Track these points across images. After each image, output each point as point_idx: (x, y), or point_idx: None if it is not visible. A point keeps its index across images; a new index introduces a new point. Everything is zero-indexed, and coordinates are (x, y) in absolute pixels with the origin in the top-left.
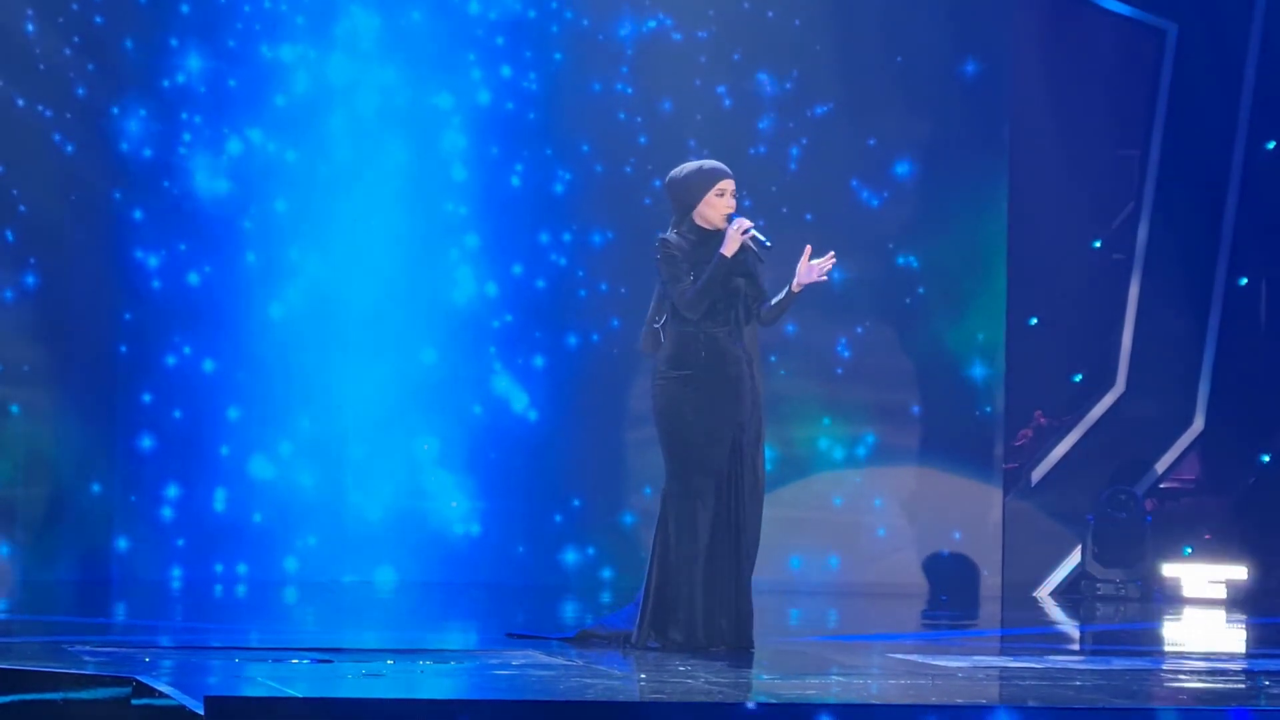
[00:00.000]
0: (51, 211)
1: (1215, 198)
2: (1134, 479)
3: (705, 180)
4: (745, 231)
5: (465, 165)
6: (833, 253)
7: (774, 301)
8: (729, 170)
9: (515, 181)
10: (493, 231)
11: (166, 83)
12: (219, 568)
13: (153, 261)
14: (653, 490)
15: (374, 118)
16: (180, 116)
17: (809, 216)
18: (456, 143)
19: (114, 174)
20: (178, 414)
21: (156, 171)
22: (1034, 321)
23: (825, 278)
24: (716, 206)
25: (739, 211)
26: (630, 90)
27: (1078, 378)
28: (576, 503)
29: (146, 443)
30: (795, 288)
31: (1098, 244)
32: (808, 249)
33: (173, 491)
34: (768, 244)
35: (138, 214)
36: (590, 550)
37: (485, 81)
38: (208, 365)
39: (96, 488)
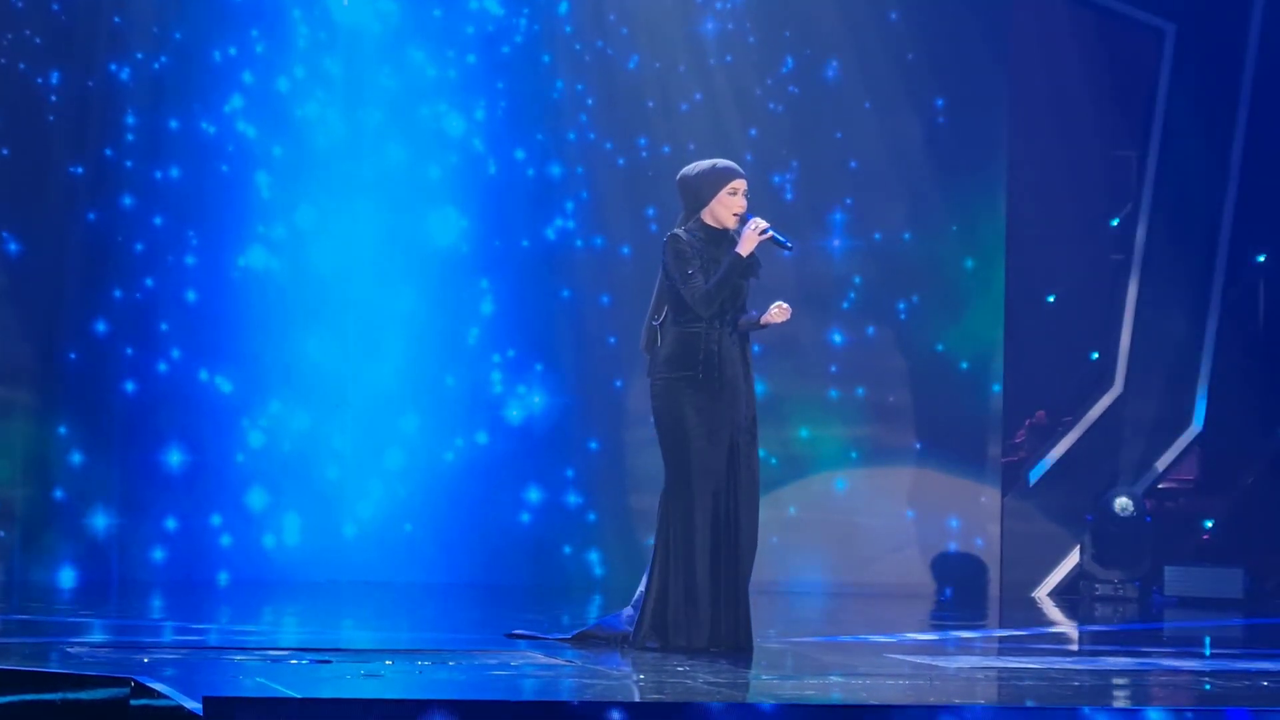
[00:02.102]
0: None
1: (1214, 198)
2: (1133, 479)
3: (718, 179)
4: (763, 232)
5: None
6: (788, 306)
7: (751, 318)
8: (741, 170)
9: (514, 158)
10: (487, 216)
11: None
12: (217, 567)
13: (138, 242)
14: (653, 489)
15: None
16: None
17: (807, 226)
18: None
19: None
20: (175, 407)
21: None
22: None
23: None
24: (729, 205)
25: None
26: (633, 63)
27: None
28: (576, 500)
29: (144, 439)
30: (764, 322)
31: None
32: (783, 305)
33: (171, 492)
34: (789, 245)
35: (125, 193)
36: (589, 550)
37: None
38: (206, 360)
39: (93, 487)
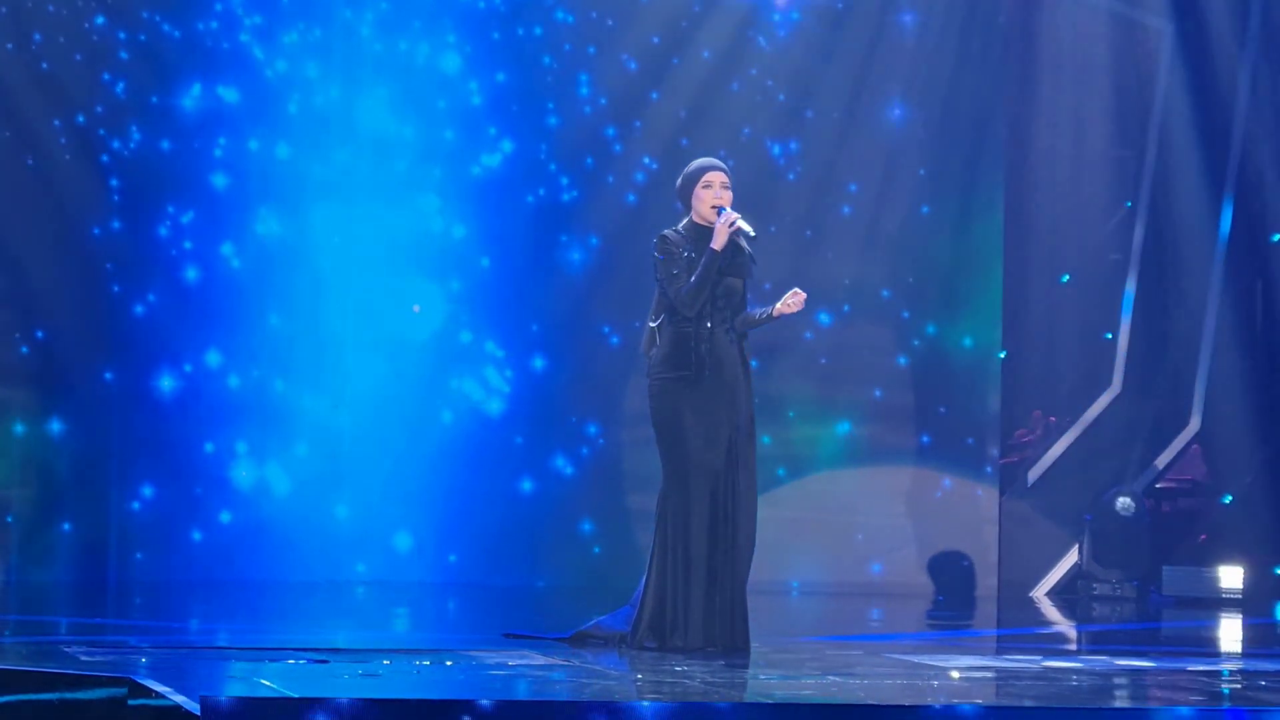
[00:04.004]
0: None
1: (1212, 197)
2: (1132, 479)
3: (693, 175)
4: (731, 224)
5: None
6: (802, 292)
7: (756, 314)
8: (716, 163)
9: (502, 150)
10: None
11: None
12: (217, 566)
13: (126, 223)
14: (652, 488)
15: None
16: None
17: (805, 226)
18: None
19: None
20: (173, 411)
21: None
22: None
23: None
24: (704, 199)
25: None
26: (627, 57)
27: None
28: (577, 502)
29: (141, 443)
30: (775, 314)
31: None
32: (798, 292)
33: (168, 492)
34: (751, 233)
35: (113, 181)
36: (588, 549)
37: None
38: (204, 357)
39: (92, 487)
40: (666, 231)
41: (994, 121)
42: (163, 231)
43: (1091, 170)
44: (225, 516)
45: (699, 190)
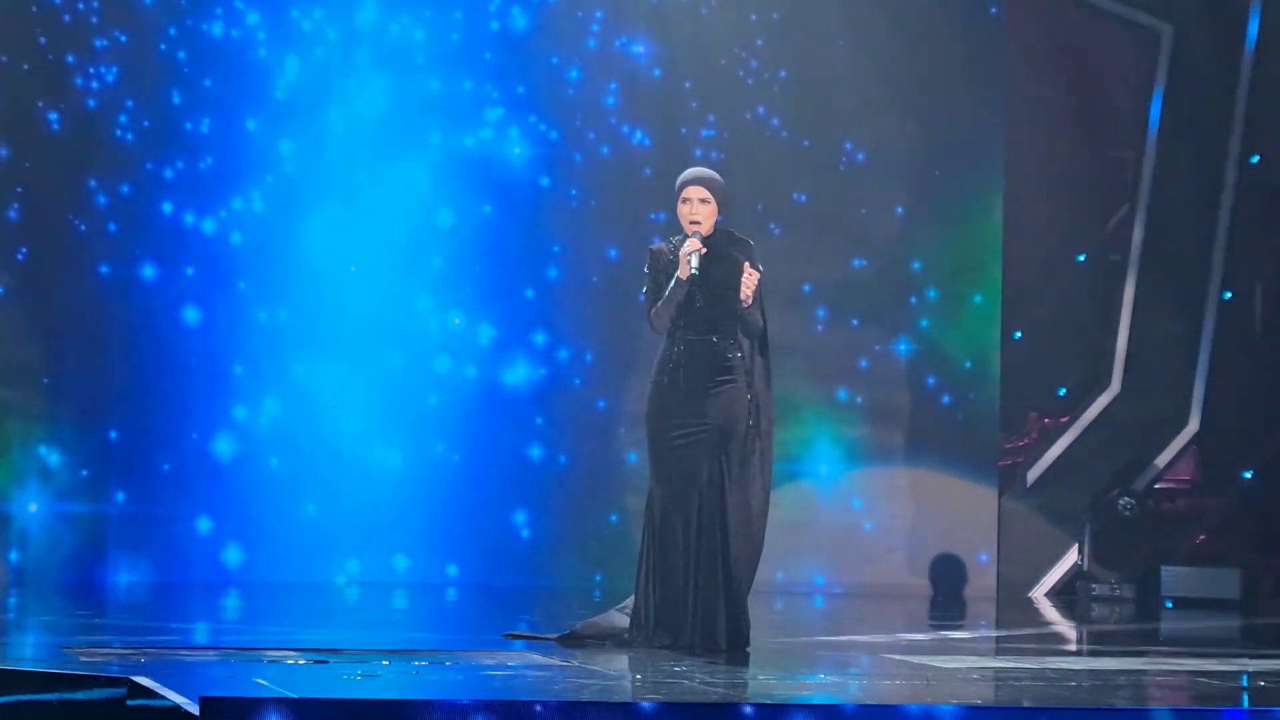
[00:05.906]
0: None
1: (1210, 199)
2: (1130, 480)
3: (678, 188)
4: (688, 255)
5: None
6: (752, 271)
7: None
8: (698, 176)
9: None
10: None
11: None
12: (216, 567)
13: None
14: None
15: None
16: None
17: (803, 198)
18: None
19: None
20: (170, 412)
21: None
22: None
23: (747, 292)
24: (682, 215)
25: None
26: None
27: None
28: (579, 505)
29: (139, 443)
30: (745, 301)
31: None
32: (748, 268)
33: (167, 491)
34: (694, 272)
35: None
36: (586, 550)
37: None
38: (200, 360)
39: (90, 487)
40: (656, 245)
41: (993, 121)
42: (149, 215)
43: (1090, 171)
44: (223, 516)
45: (679, 205)
